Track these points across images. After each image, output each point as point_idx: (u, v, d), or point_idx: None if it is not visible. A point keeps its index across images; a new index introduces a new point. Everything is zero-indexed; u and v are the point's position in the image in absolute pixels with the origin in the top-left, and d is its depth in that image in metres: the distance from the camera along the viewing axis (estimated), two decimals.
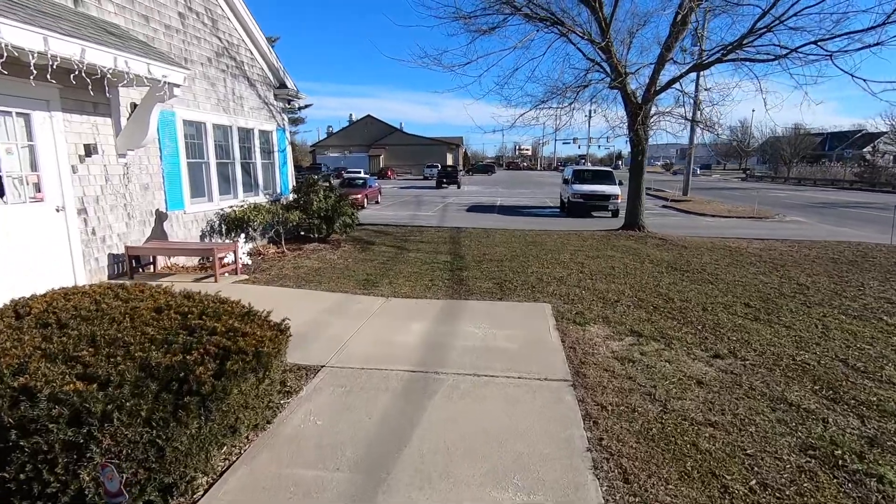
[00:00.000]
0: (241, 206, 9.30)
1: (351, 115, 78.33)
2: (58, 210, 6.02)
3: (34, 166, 5.77)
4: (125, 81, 5.81)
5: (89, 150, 6.38)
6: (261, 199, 10.67)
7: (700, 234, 14.54)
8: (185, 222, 8.29)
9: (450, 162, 65.81)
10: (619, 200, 20.13)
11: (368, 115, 73.19)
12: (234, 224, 8.99)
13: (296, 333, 4.81)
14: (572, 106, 12.85)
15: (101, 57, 5.31)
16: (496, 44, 27.93)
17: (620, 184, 21.66)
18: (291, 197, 11.52)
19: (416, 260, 9.18)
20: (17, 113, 5.54)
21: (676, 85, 12.71)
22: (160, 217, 7.68)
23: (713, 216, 20.82)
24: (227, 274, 7.09)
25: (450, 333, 4.96)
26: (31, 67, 4.73)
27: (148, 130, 6.74)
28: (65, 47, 4.87)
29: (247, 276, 7.13)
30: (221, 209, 9.16)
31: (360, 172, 41.12)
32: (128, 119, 6.82)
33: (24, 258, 5.61)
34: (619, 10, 12.18)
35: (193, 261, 7.99)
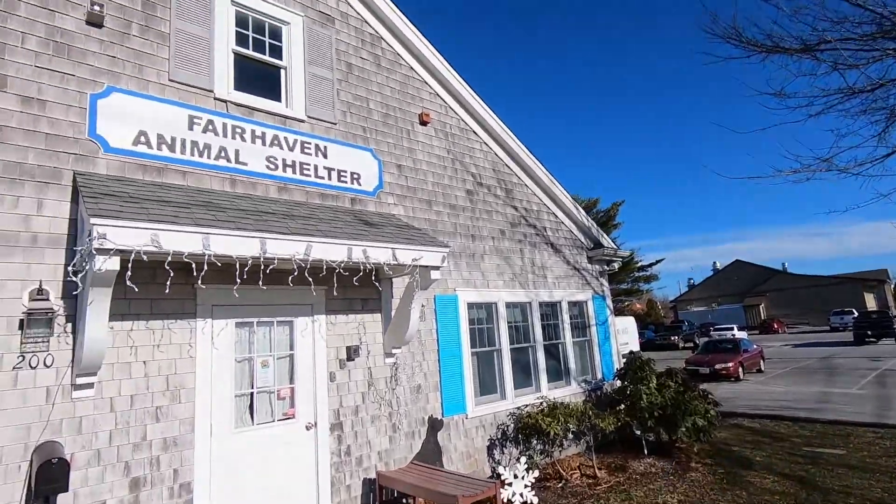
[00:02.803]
0: (540, 403, 7.09)
1: (714, 263, 69.90)
2: (308, 427, 5.20)
3: (291, 378, 5.24)
4: (364, 272, 4.90)
5: (351, 353, 5.64)
6: (573, 388, 8.26)
7: None
8: (467, 429, 6.59)
9: (871, 305, 48.26)
10: None
11: (736, 260, 63.67)
12: (525, 432, 6.76)
13: None
14: None
15: (329, 250, 4.53)
16: None
17: None
18: (618, 384, 8.67)
19: None
20: (278, 322, 5.24)
21: None
22: (433, 425, 6.22)
23: None
24: None
25: None
26: (261, 273, 4.20)
27: (409, 325, 5.64)
28: (284, 247, 4.23)
29: None
30: (517, 408, 7.17)
31: (732, 329, 33.73)
32: (393, 313, 5.99)
33: (259, 496, 4.77)
34: None
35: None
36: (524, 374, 7.71)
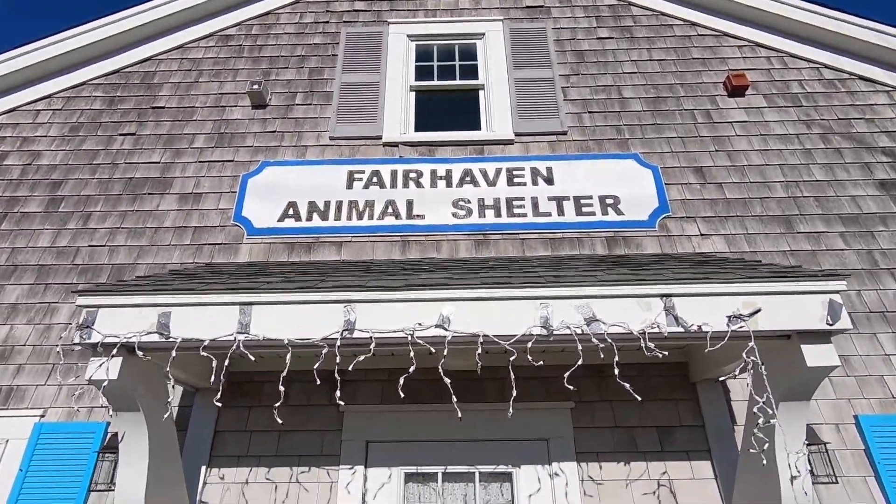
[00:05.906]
0: None
1: None
2: None
3: None
4: (616, 364, 2.06)
5: None
6: None
7: None
8: None
9: None
10: None
11: None
12: None
13: None
14: None
15: (499, 314, 2.05)
16: None
17: None
18: None
19: None
20: (484, 475, 2.79)
21: None
22: None
23: None
24: None
25: None
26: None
27: (779, 494, 2.19)
28: (389, 316, 2.05)
29: None
30: None
31: None
32: (741, 459, 2.59)
33: None
34: None
35: None
36: None
